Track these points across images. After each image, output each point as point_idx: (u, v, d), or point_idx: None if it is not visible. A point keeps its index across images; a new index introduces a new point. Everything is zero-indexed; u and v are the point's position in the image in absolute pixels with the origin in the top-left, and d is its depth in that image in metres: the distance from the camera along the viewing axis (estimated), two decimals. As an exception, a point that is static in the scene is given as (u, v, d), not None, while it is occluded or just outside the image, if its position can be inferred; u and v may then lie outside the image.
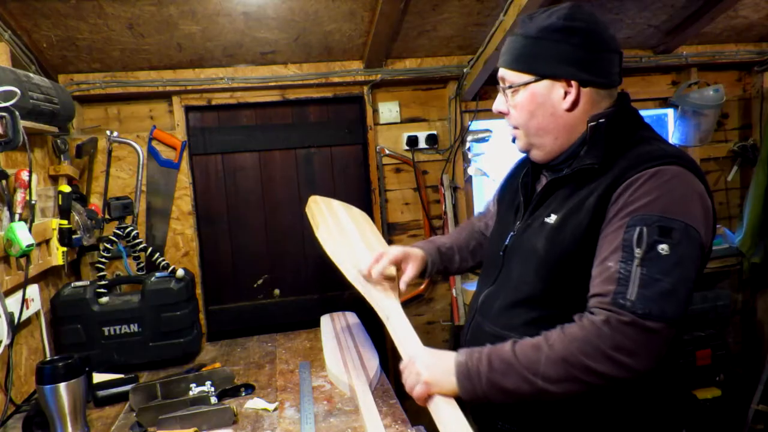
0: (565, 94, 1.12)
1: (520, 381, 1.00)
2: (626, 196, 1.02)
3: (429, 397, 1.08)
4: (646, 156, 1.05)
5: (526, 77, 1.14)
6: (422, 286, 2.67)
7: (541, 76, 1.13)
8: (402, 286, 1.39)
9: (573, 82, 1.11)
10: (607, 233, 1.03)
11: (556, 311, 1.08)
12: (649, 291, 0.95)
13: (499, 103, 1.21)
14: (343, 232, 1.65)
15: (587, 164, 1.09)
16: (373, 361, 1.64)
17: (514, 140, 1.24)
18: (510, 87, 1.16)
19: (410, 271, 1.38)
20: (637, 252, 0.97)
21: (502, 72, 1.18)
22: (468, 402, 1.06)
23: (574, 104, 1.12)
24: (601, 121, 1.11)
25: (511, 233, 1.24)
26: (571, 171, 1.12)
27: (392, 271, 1.42)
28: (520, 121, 1.18)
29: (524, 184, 1.27)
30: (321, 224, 1.68)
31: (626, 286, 0.96)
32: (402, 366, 1.14)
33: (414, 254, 1.41)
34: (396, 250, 1.39)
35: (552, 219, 1.12)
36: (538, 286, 1.12)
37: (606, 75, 1.12)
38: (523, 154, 1.27)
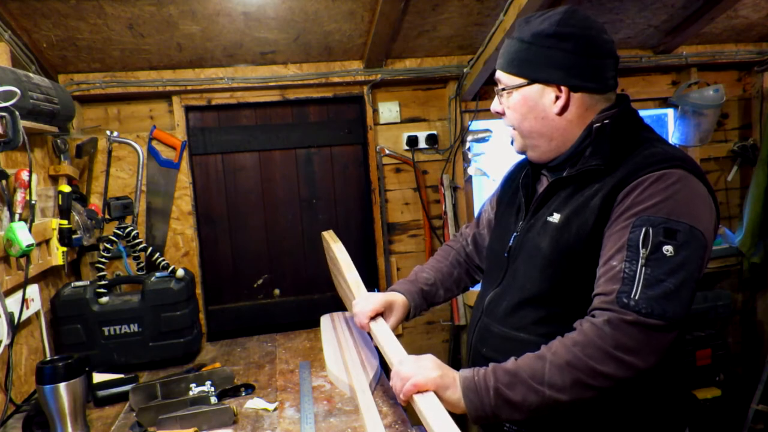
0: (556, 98, 1.13)
1: (526, 391, 0.99)
2: (632, 197, 1.03)
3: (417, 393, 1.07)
4: (651, 158, 1.06)
5: (518, 80, 1.16)
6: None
7: (532, 80, 1.15)
8: None
9: (563, 88, 1.12)
10: (611, 233, 1.04)
11: (563, 309, 1.09)
12: (653, 291, 0.96)
13: (495, 104, 1.24)
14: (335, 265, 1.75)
15: (593, 165, 1.10)
16: (373, 361, 1.64)
17: (512, 142, 1.27)
18: (504, 89, 1.20)
19: (391, 322, 1.41)
20: (642, 252, 0.98)
21: (498, 74, 1.21)
22: (475, 421, 1.04)
23: (564, 108, 1.13)
24: (606, 122, 1.12)
25: (515, 234, 1.24)
26: (576, 172, 1.13)
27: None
28: (514, 123, 1.21)
29: (524, 185, 1.27)
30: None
31: (631, 285, 0.97)
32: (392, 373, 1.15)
33: (396, 303, 1.42)
34: (377, 301, 1.40)
35: (555, 218, 1.13)
36: (543, 284, 1.13)
37: (599, 80, 1.13)
38: (522, 155, 1.29)
